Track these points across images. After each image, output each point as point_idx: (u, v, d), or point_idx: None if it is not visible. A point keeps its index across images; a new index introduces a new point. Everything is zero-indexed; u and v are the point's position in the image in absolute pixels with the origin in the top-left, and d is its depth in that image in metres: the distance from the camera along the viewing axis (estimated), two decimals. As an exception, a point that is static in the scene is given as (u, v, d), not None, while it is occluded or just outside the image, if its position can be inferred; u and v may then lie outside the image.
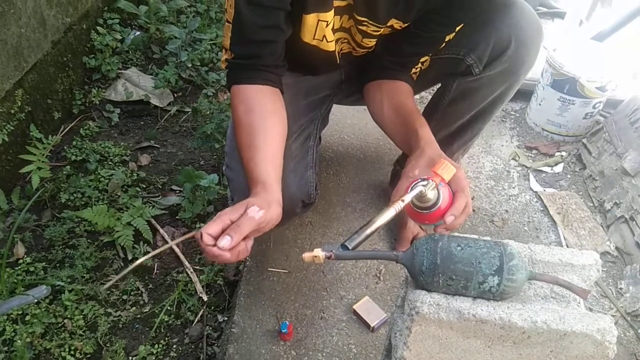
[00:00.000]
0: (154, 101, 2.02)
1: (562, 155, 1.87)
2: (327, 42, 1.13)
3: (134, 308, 1.40)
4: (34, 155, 1.62)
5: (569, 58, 1.81)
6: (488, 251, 0.67)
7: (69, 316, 1.34)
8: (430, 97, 1.38)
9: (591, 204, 1.69)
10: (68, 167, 1.72)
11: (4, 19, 1.53)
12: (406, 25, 1.14)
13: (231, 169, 1.19)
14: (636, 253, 1.47)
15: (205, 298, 1.42)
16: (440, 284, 0.68)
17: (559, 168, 1.83)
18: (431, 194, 0.85)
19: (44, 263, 1.45)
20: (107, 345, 1.31)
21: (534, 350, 0.69)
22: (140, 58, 2.23)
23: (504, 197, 1.70)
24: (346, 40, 1.19)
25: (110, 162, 1.77)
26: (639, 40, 2.08)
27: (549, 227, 1.60)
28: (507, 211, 1.64)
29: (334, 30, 1.13)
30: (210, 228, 0.83)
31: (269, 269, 1.40)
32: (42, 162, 1.63)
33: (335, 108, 1.50)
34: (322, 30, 1.10)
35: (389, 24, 1.13)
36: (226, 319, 1.38)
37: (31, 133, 1.69)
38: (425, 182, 0.84)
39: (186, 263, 1.50)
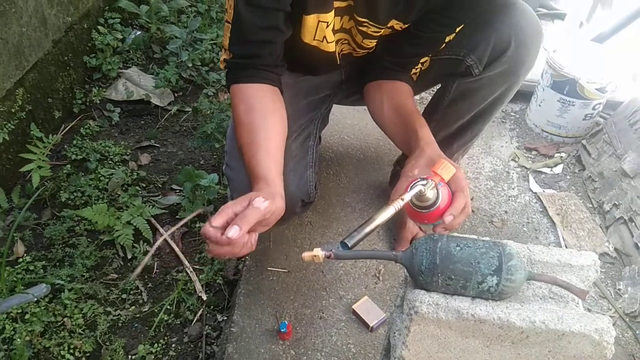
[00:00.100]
0: (155, 101, 2.02)
1: (561, 157, 1.87)
2: (328, 42, 1.13)
3: (134, 307, 1.40)
4: (34, 154, 1.62)
5: (569, 59, 1.81)
6: (487, 251, 0.68)
7: (68, 315, 1.34)
8: (430, 97, 1.39)
9: (590, 205, 1.69)
10: (68, 166, 1.72)
11: (5, 17, 1.53)
12: (406, 26, 1.14)
13: (231, 168, 1.19)
14: (635, 254, 1.47)
15: (204, 297, 1.42)
16: (439, 283, 0.68)
17: (558, 169, 1.83)
18: (430, 194, 0.85)
19: (44, 262, 1.45)
20: (107, 344, 1.31)
21: (532, 350, 0.69)
22: (141, 57, 2.24)
23: (504, 197, 1.70)
24: (346, 41, 1.19)
25: (110, 162, 1.77)
26: (639, 42, 2.08)
27: (548, 228, 1.61)
28: (506, 212, 1.65)
29: (335, 31, 1.13)
30: (215, 221, 0.82)
31: (269, 268, 1.40)
32: (43, 161, 1.63)
33: (336, 108, 1.51)
34: (323, 31, 1.10)
35: (389, 25, 1.13)
36: (225, 318, 1.38)
37: (32, 132, 1.69)
38: (424, 182, 0.85)
39: (186, 262, 1.50)
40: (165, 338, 1.35)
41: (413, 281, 0.72)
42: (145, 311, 1.39)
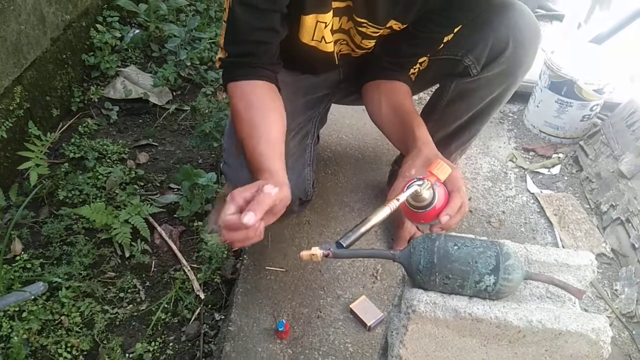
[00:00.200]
0: (153, 99, 2.02)
1: (559, 157, 1.87)
2: (326, 43, 1.13)
3: (131, 305, 1.40)
4: (32, 152, 1.62)
5: (567, 60, 1.81)
6: (484, 251, 0.68)
7: (65, 313, 1.34)
8: (429, 98, 1.39)
9: (587, 206, 1.70)
10: (66, 164, 1.72)
11: (4, 15, 1.53)
12: (405, 26, 1.14)
13: (229, 165, 1.19)
14: (632, 255, 1.47)
15: (202, 296, 1.42)
16: (436, 282, 0.68)
17: (556, 170, 1.83)
18: (426, 194, 0.86)
19: (41, 260, 1.45)
20: (104, 342, 1.31)
21: (529, 349, 0.69)
22: (140, 56, 2.24)
23: (501, 198, 1.70)
24: (345, 42, 1.20)
25: (108, 160, 1.77)
26: (637, 43, 2.09)
27: (546, 229, 1.61)
28: (504, 212, 1.65)
29: (333, 32, 1.13)
30: (230, 209, 0.82)
31: (267, 267, 1.40)
32: (41, 159, 1.63)
33: (334, 108, 1.51)
34: (321, 31, 1.10)
35: (388, 25, 1.13)
36: (223, 317, 1.38)
37: (29, 130, 1.69)
38: (420, 182, 0.85)
39: (183, 261, 1.50)
40: (163, 336, 1.35)
41: (411, 280, 0.73)
42: (142, 310, 1.39)
